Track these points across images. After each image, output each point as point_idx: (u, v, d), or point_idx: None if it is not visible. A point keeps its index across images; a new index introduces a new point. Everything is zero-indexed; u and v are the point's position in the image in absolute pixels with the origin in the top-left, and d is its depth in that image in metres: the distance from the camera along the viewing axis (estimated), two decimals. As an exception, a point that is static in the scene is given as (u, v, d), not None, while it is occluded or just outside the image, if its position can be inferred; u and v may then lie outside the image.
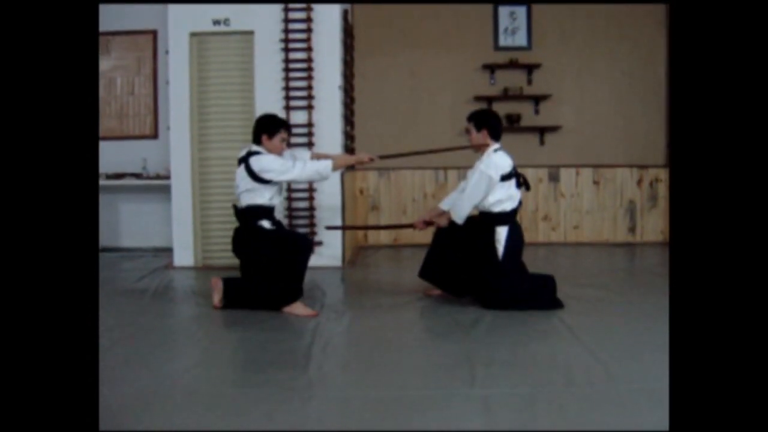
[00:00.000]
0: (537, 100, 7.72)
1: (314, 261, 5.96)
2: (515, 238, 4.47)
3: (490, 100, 7.68)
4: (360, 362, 3.38)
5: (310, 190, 6.10)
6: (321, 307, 4.51)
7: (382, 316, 4.30)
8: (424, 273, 4.78)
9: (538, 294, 4.43)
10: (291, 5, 6.03)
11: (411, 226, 4.92)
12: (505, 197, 4.42)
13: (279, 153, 4.43)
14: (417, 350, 3.63)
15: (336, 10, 6.17)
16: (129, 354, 3.48)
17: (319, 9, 6.07)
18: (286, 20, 6.06)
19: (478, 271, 4.45)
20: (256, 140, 4.46)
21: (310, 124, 6.09)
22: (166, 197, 6.58)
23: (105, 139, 7.57)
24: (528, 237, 7.69)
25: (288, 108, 6.08)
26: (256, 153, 4.38)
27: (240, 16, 6.12)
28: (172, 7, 6.19)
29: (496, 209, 4.44)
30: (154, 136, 7.57)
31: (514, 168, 4.48)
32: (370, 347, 3.65)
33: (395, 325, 4.07)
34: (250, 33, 6.15)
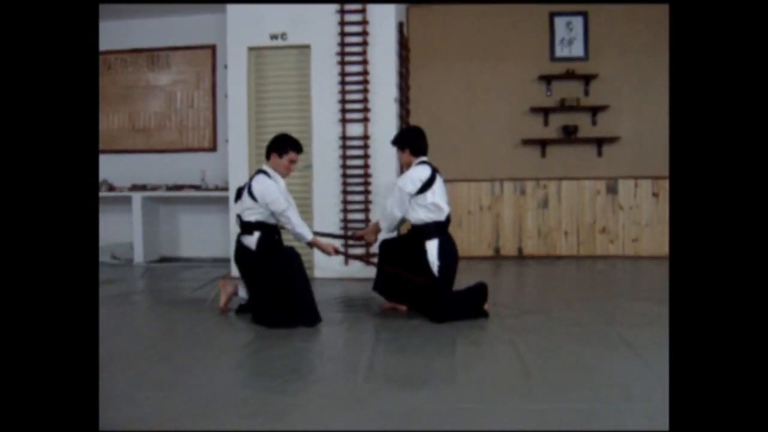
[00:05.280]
0: (594, 110, 7.62)
1: (370, 273, 6.00)
2: (448, 252, 4.57)
3: (546, 111, 7.62)
4: (413, 374, 3.37)
5: (366, 202, 6.14)
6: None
7: (438, 327, 4.29)
8: (378, 287, 4.83)
9: (478, 301, 4.53)
10: (347, 18, 6.11)
11: (353, 237, 5.23)
12: (426, 209, 4.51)
13: (285, 173, 4.61)
14: (471, 363, 3.60)
15: (391, 22, 6.21)
16: (187, 362, 3.55)
17: (374, 22, 6.14)
18: (342, 34, 6.13)
19: (418, 286, 4.50)
20: (267, 157, 4.64)
21: (365, 137, 6.13)
22: (225, 209, 6.71)
23: (165, 151, 7.81)
24: (585, 250, 7.68)
25: (344, 120, 6.14)
26: (261, 172, 4.57)
27: (296, 31, 6.22)
28: (231, 23, 6.33)
29: (422, 222, 4.54)
30: (213, 148, 7.74)
31: (432, 178, 4.52)
32: (425, 360, 3.64)
33: (446, 338, 4.04)
34: (307, 47, 6.25)
